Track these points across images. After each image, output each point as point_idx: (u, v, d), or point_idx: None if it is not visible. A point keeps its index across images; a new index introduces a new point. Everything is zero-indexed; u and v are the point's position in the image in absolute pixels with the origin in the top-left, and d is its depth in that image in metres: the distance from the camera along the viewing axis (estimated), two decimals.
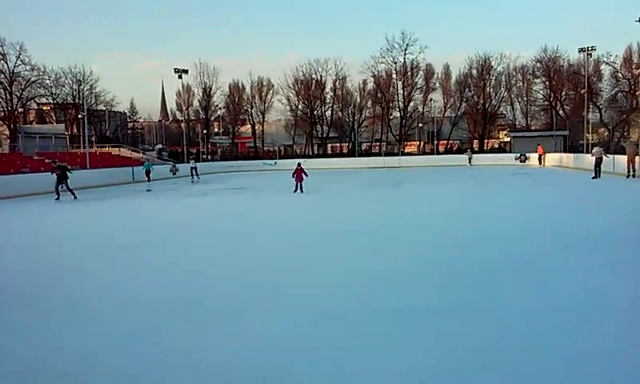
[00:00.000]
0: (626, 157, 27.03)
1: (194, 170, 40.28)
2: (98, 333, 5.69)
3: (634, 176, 25.96)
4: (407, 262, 8.77)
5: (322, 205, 19.09)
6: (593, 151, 28.81)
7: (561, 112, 66.76)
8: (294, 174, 22.48)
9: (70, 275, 8.64)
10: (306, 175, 22.65)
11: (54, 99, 65.56)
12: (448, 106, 72.80)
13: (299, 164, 23.35)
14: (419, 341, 5.13)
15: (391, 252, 9.67)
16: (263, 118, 78.26)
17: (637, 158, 26.73)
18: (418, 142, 72.64)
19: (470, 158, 49.93)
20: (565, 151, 48.59)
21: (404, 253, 9.56)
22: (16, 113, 58.49)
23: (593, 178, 26.27)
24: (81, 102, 62.04)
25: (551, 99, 67.68)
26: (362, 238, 11.40)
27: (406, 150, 69.23)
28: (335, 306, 6.37)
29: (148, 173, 35.92)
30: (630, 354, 4.64)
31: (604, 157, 27.30)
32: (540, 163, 44.59)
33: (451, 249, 9.70)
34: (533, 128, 69.33)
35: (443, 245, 10.14)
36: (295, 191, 22.18)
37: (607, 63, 63.26)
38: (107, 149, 57.79)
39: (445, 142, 72.31)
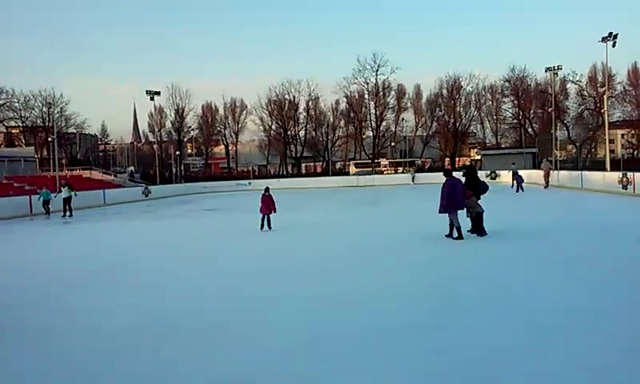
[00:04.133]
0: (542, 172, 35.25)
1: (67, 204, 27.66)
2: (66, 359, 5.62)
3: (547, 187, 33.96)
4: (382, 280, 8.84)
5: (297, 226, 18.99)
6: (511, 166, 37.87)
7: (530, 130, 68.21)
8: (260, 203, 16.63)
9: (37, 300, 8.49)
10: (274, 209, 16.60)
11: (23, 122, 64.62)
12: (419, 125, 74.00)
13: (267, 189, 16.88)
14: (395, 358, 5.17)
15: (366, 271, 9.71)
16: (237, 138, 78.34)
17: (550, 172, 35.08)
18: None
19: (412, 177, 50.32)
20: (534, 168, 49.54)
21: (379, 272, 9.61)
22: None
23: (512, 186, 33.35)
24: (51, 124, 61.22)
25: (520, 117, 69.14)
26: (335, 258, 11.45)
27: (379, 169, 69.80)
28: (313, 326, 6.40)
29: (46, 203, 27.74)
30: (595, 365, 4.77)
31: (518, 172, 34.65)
32: (412, 182, 47.23)
33: (425, 267, 9.83)
34: (503, 146, 70.58)
35: (417, 264, 10.24)
36: (262, 227, 16.35)
37: (573, 82, 65.10)
38: (78, 172, 56.97)
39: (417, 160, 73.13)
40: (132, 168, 72.22)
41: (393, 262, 10.51)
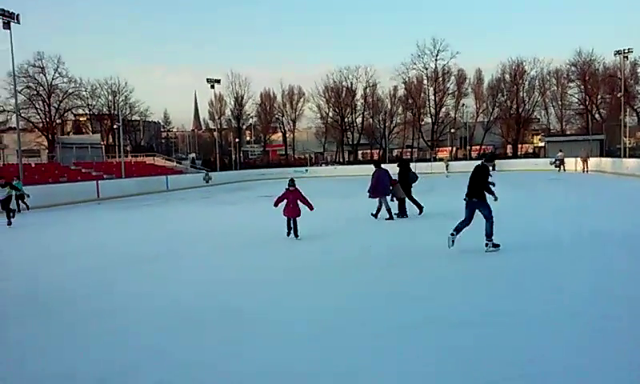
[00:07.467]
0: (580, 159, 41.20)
1: (5, 206, 19.27)
2: (119, 346, 5.81)
3: (587, 172, 39.39)
4: (417, 273, 8.72)
5: (345, 212, 18.80)
6: (558, 154, 44.49)
7: (597, 116, 65.37)
8: (279, 202, 12.73)
9: (97, 286, 8.78)
10: (310, 207, 12.85)
11: (90, 110, 67.25)
12: (480, 111, 72.03)
13: (292, 182, 12.78)
14: (420, 353, 5.08)
15: (405, 263, 9.57)
16: (294, 125, 78.82)
17: (588, 159, 40.89)
18: (450, 148, 71.91)
19: (446, 166, 49.82)
20: (601, 156, 47.60)
21: (416, 264, 9.44)
22: (54, 124, 60.21)
23: (558, 171, 42.09)
24: (116, 112, 63.49)
25: (587, 103, 66.30)
26: (383, 247, 11.36)
27: (437, 156, 68.53)
28: (339, 319, 6.37)
29: (4, 202, 19.40)
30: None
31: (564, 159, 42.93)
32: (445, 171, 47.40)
33: (472, 261, 9.60)
34: (568, 132, 68.02)
35: (458, 255, 10.01)
36: (289, 233, 12.56)
37: None
38: (141, 158, 58.87)
39: (478, 147, 71.44)
40: (194, 155, 73.88)
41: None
